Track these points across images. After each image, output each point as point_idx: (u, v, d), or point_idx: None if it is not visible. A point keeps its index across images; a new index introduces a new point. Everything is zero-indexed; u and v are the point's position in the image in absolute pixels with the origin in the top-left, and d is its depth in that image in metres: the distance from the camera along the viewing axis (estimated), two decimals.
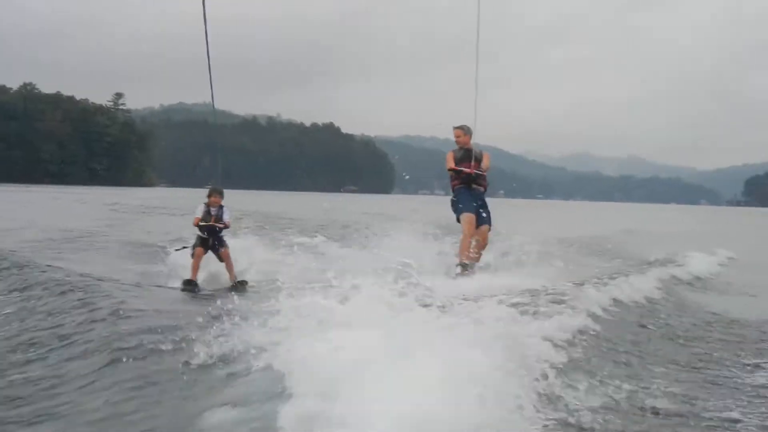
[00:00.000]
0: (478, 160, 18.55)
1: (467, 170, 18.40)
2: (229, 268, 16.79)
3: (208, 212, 16.85)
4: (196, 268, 16.38)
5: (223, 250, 16.86)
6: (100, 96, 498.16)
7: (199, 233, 16.85)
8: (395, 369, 6.19)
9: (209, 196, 16.91)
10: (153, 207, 64.71)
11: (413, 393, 5.85)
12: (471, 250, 17.76)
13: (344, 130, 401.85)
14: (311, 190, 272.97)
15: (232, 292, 14.74)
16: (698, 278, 22.29)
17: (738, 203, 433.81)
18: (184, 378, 7.82)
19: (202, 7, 11.72)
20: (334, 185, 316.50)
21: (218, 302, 9.69)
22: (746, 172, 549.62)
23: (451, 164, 18.68)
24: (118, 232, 33.84)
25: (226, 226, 16.99)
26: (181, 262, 17.82)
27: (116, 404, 7.16)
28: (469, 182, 18.54)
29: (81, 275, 15.78)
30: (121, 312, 11.28)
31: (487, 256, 19.50)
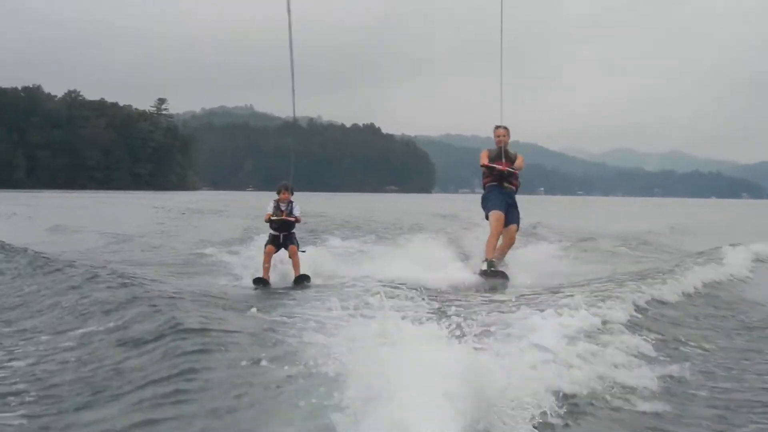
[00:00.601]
0: (512, 160, 18.68)
1: (500, 167, 18.47)
2: (295, 264, 16.78)
3: (278, 208, 17.08)
4: (267, 266, 16.61)
5: (291, 247, 16.87)
6: (142, 102, 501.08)
7: (271, 230, 17.09)
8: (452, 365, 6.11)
9: (278, 192, 17.17)
10: (216, 209, 65.16)
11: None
12: (497, 248, 18.07)
13: (385, 130, 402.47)
14: (353, 190, 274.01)
15: (297, 288, 15.66)
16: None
17: None
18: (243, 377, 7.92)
19: (287, 15, 12.71)
20: (376, 185, 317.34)
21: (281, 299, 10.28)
22: None
23: (485, 160, 18.82)
24: (186, 234, 35.13)
25: (297, 221, 17.18)
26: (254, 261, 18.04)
27: (169, 398, 7.30)
28: (501, 180, 18.66)
29: (156, 282, 15.42)
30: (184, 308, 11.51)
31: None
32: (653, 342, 10.65)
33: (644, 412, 7.38)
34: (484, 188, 19.19)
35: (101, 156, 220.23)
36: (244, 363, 8.38)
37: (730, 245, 25.18)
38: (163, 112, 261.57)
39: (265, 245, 16.92)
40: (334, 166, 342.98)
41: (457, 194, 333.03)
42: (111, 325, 10.87)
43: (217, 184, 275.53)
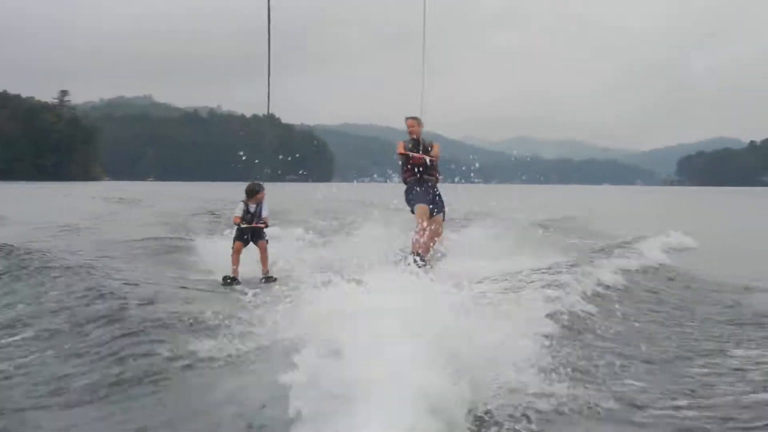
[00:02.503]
0: (428, 150, 18.79)
1: (418, 156, 18.52)
2: (263, 260, 16.97)
3: (247, 210, 17.15)
4: (236, 263, 16.66)
5: (260, 242, 17.03)
6: (41, 92, 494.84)
7: (237, 227, 17.12)
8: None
9: (250, 195, 17.21)
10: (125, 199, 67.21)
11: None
12: (424, 242, 17.87)
13: (284, 120, 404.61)
14: (254, 179, 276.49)
15: (262, 284, 15.60)
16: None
17: (672, 183, 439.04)
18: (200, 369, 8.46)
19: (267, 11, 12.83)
20: (277, 175, 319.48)
21: (249, 295, 10.30)
22: (681, 152, 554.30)
23: (401, 149, 18.85)
24: (124, 226, 34.92)
25: (266, 225, 17.19)
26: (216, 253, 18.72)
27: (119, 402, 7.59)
28: (421, 173, 18.63)
29: (114, 274, 16.03)
30: (154, 304, 12.03)
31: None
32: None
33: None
34: (405, 183, 19.11)
35: (3, 148, 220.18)
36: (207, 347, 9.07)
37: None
38: (66, 104, 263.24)
39: (234, 240, 17.06)
40: (235, 155, 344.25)
41: (356, 183, 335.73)
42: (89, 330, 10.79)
43: (118, 175, 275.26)
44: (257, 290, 12.22)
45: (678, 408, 7.66)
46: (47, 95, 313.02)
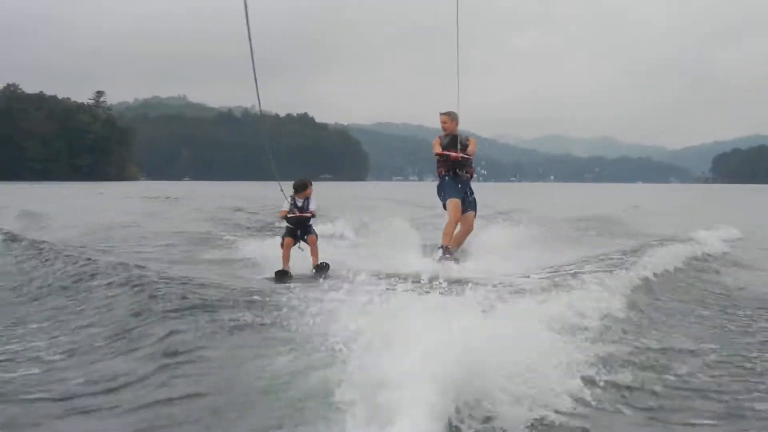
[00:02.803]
0: (465, 146, 18.38)
1: (454, 155, 18.17)
2: (314, 253, 16.90)
3: (294, 204, 17.06)
4: (286, 258, 16.65)
5: (309, 236, 16.99)
6: (76, 92, 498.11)
7: (287, 224, 17.12)
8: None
9: (297, 190, 17.14)
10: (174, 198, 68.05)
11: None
12: (455, 236, 18.01)
13: (318, 119, 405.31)
14: (288, 179, 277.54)
15: (317, 276, 15.48)
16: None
17: (706, 180, 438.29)
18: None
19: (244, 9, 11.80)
20: (311, 174, 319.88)
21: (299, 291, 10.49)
22: (716, 149, 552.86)
23: (438, 149, 18.46)
24: (172, 223, 34.66)
25: (312, 215, 17.14)
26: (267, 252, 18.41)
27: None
28: (455, 168, 18.39)
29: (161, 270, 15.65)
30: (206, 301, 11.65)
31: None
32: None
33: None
34: (439, 177, 18.79)
35: (41, 148, 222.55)
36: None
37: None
38: (102, 105, 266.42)
39: (283, 237, 17.12)
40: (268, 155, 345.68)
41: (391, 182, 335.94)
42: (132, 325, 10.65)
43: (153, 175, 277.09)
44: (308, 284, 12.49)
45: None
46: (82, 96, 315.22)
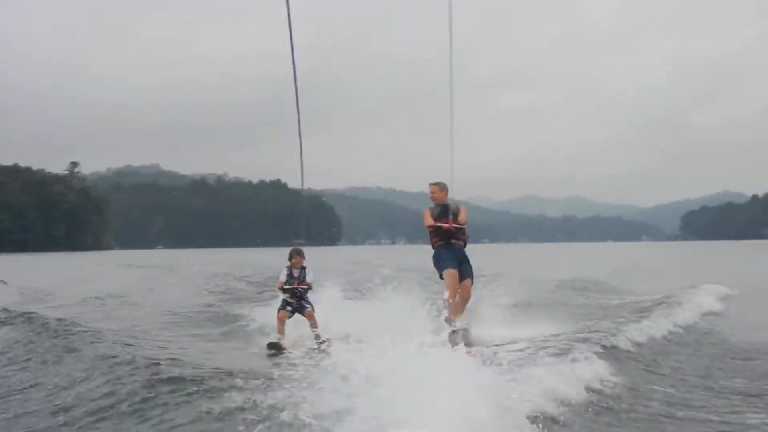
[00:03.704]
0: (455, 215, 18.53)
1: (446, 225, 18.33)
2: (314, 327, 16.94)
3: (290, 275, 17.16)
4: (281, 331, 16.82)
5: (307, 311, 17.04)
6: (46, 162, 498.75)
7: (284, 297, 17.22)
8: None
9: (291, 258, 17.29)
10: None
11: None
12: (455, 306, 17.85)
13: (291, 185, 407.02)
14: (264, 245, 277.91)
15: (317, 351, 15.64)
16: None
17: (675, 238, 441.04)
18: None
19: (292, 68, 12.94)
20: (286, 239, 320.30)
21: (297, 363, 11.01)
22: (687, 207, 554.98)
23: (430, 221, 18.54)
24: (166, 295, 34.84)
25: (309, 288, 17.20)
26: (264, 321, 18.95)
27: None
28: (449, 238, 18.48)
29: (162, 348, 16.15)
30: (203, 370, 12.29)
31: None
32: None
33: None
34: (433, 247, 18.82)
35: (16, 219, 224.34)
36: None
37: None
38: (76, 175, 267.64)
39: (278, 310, 17.19)
40: (244, 221, 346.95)
41: (365, 245, 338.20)
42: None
43: (127, 244, 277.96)
44: (309, 358, 13.20)
45: None
46: (55, 166, 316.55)
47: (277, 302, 17.97)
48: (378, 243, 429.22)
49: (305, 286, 17.08)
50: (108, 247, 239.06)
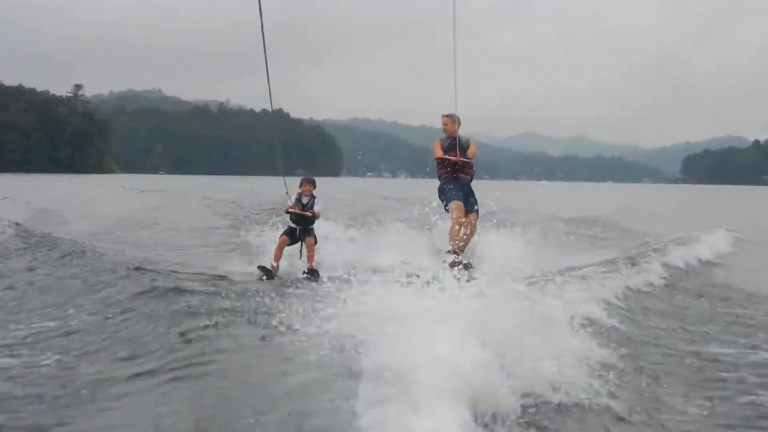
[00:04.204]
0: (464, 149, 18.50)
1: (454, 159, 18.29)
2: (309, 256, 16.71)
3: (299, 201, 16.91)
4: (278, 256, 16.55)
5: (308, 239, 16.84)
6: (49, 83, 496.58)
7: (289, 222, 17.02)
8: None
9: (301, 185, 17.05)
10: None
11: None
12: (461, 238, 17.71)
13: (293, 114, 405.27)
14: (264, 174, 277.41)
15: (305, 278, 15.88)
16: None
17: (676, 181, 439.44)
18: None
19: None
20: (286, 168, 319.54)
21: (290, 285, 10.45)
22: (688, 150, 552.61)
23: (439, 153, 18.57)
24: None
25: (315, 216, 16.96)
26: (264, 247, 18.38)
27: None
28: (456, 171, 18.51)
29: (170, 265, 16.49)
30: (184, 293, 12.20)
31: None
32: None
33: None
34: (440, 179, 18.91)
35: (20, 140, 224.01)
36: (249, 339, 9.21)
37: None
38: (80, 98, 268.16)
39: (281, 235, 17.01)
40: (245, 149, 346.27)
41: (365, 178, 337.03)
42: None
43: (129, 168, 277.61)
44: (306, 284, 13.09)
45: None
46: (57, 88, 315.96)
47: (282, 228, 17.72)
48: (378, 175, 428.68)
49: (309, 213, 16.84)
50: (110, 171, 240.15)
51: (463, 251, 17.45)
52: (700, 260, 20.97)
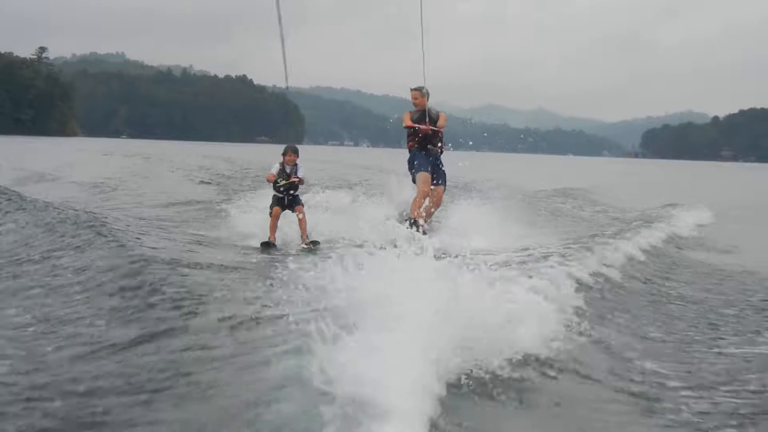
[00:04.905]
0: (435, 121, 18.59)
1: (423, 127, 18.33)
2: (302, 227, 16.66)
3: (283, 170, 16.90)
4: (273, 229, 16.57)
5: (297, 206, 16.81)
6: (10, 44, 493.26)
7: (275, 192, 16.96)
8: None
9: (284, 154, 17.00)
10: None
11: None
12: (424, 209, 17.66)
13: (257, 81, 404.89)
14: (226, 140, 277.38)
15: (305, 251, 15.58)
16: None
17: (636, 155, 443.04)
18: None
19: None
20: (248, 136, 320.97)
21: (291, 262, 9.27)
22: (648, 125, 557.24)
23: (408, 122, 18.60)
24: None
25: (301, 182, 16.96)
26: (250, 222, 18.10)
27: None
28: (426, 142, 18.56)
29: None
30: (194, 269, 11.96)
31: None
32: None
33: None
34: (409, 150, 19.06)
35: None
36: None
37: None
38: (44, 60, 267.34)
39: (271, 207, 16.93)
40: (207, 115, 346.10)
41: (327, 146, 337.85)
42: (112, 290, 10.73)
43: (90, 131, 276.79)
44: (299, 257, 12.74)
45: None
46: (19, 49, 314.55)
47: (265, 196, 18.09)
48: (341, 144, 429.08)
49: (297, 179, 16.71)
50: (73, 134, 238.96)
51: (426, 221, 17.29)
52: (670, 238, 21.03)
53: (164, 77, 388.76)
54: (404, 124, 18.70)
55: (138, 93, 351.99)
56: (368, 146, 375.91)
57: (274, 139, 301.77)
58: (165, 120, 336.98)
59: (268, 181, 17.14)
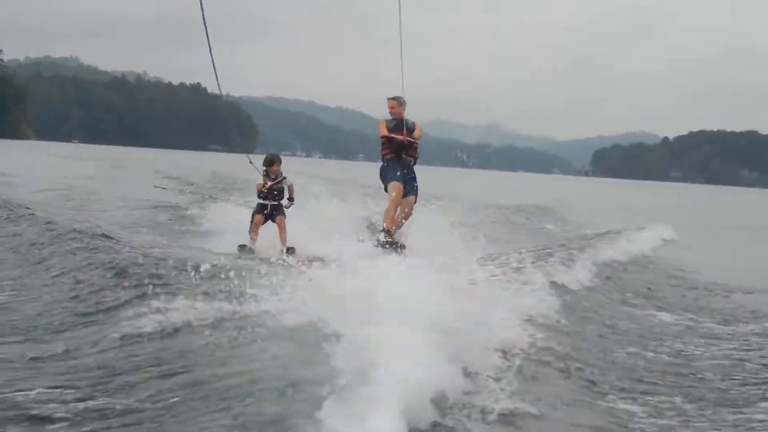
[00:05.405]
0: (411, 130, 18.39)
1: (400, 137, 18.17)
2: (282, 235, 16.92)
3: (268, 178, 17.26)
4: (254, 237, 16.86)
5: (278, 218, 17.03)
6: None
7: (258, 200, 17.25)
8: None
9: (270, 164, 17.47)
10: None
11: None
12: (395, 219, 17.71)
13: (211, 89, 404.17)
14: (178, 147, 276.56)
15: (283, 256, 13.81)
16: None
17: (585, 173, 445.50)
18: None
19: None
20: (200, 144, 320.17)
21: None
22: (599, 144, 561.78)
23: (384, 132, 18.39)
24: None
25: (291, 190, 17.57)
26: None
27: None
28: (400, 151, 18.37)
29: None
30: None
31: None
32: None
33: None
34: (383, 160, 18.74)
35: None
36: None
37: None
38: None
39: (253, 215, 17.15)
40: (162, 123, 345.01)
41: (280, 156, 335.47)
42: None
43: (42, 135, 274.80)
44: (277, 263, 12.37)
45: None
46: None
47: (246, 204, 18.52)
48: (293, 154, 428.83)
49: (284, 178, 17.21)
50: (25, 137, 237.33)
51: (395, 230, 17.52)
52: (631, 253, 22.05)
53: (119, 83, 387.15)
54: (380, 134, 18.47)
55: (92, 98, 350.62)
56: (320, 157, 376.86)
57: (226, 148, 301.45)
58: (118, 126, 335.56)
59: (258, 191, 17.48)
